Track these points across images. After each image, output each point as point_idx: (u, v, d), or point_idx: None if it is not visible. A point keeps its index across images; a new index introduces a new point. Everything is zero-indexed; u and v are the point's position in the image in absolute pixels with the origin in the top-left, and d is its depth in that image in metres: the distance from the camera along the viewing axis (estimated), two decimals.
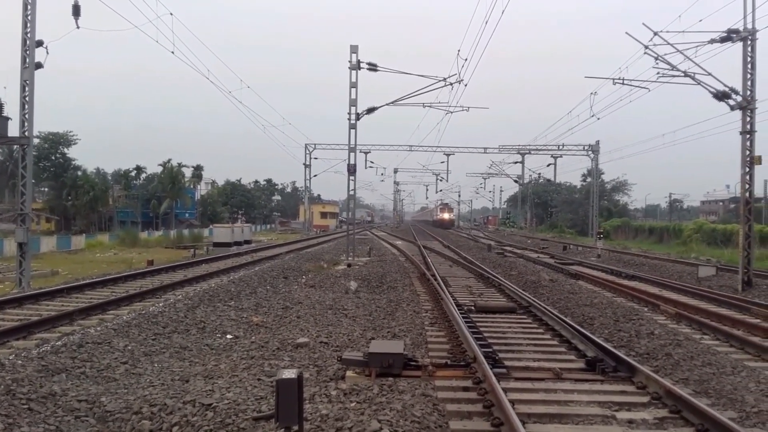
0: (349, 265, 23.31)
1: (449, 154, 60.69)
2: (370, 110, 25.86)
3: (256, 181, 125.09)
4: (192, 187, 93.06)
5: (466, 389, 7.29)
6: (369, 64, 24.40)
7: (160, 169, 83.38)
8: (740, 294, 17.36)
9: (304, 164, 62.47)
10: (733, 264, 21.22)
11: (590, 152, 57.50)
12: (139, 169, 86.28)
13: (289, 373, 5.20)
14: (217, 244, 36.34)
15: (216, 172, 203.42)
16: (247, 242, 40.07)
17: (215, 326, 11.41)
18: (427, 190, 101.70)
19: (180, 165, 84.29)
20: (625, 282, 19.43)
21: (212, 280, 18.93)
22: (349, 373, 7.81)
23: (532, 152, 61.02)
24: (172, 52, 24.14)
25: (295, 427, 5.17)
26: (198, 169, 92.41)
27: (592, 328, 11.46)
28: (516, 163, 66.78)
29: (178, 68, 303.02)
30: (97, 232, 62.06)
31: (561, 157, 59.29)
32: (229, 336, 10.68)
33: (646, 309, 14.31)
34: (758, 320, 12.70)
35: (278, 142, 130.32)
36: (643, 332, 11.11)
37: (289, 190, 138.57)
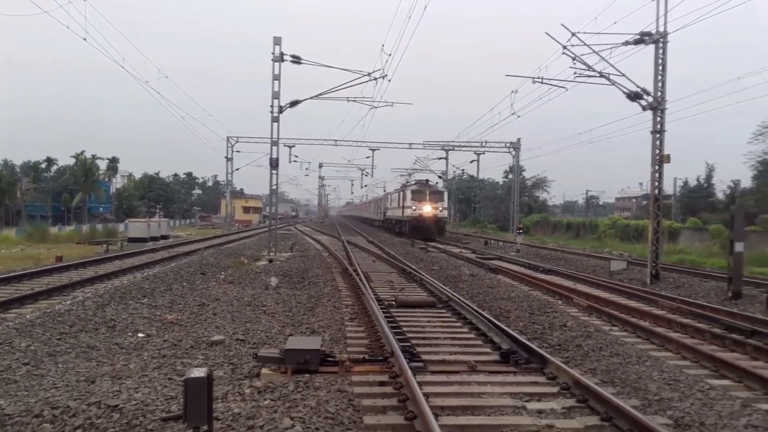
0: (270, 261, 22.97)
1: (374, 149, 60.69)
2: (294, 103, 25.54)
3: (176, 175, 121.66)
4: (107, 180, 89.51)
5: (382, 384, 7.28)
6: (292, 56, 24.07)
7: (72, 161, 79.78)
8: (648, 287, 18.19)
9: (226, 157, 61.07)
10: (643, 258, 22.20)
11: (512, 149, 58.86)
12: (49, 161, 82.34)
13: (199, 372, 5.04)
14: (132, 240, 35.01)
15: (133, 165, 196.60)
16: (165, 237, 38.83)
17: (126, 325, 10.96)
18: (352, 185, 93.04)
19: (94, 157, 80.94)
20: (542, 276, 20.02)
21: (125, 276, 18.22)
22: (264, 371, 7.67)
23: (456, 149, 61.85)
24: (84, 39, 23.05)
25: (205, 427, 5.01)
26: (113, 162, 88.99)
27: (509, 321, 11.72)
28: (440, 159, 67.57)
29: (92, 56, 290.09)
30: (3, 227, 58.73)
31: (484, 153, 60.31)
32: (140, 334, 10.27)
33: (560, 302, 14.77)
34: (663, 312, 13.33)
35: (198, 135, 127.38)
36: (557, 324, 11.45)
37: (210, 184, 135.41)
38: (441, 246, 35.09)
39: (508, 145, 58.78)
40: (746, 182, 43.79)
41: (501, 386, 7.23)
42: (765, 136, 34.10)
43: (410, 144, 61.64)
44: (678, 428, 6.08)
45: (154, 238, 36.25)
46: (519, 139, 58.70)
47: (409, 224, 42.62)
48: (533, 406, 6.55)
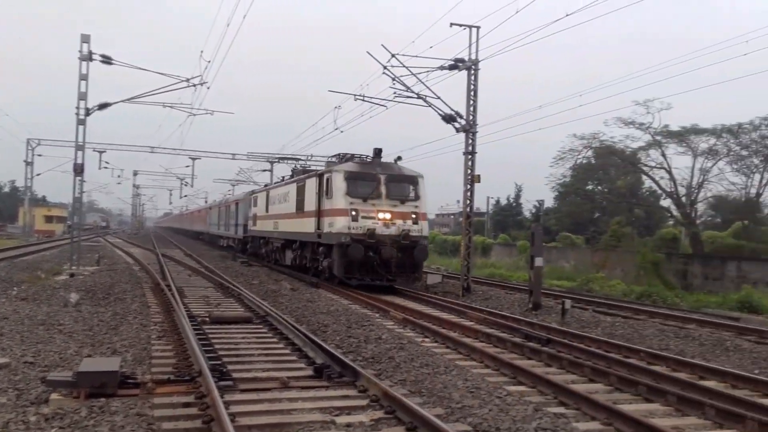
0: (72, 275, 21.07)
1: (195, 158, 58.21)
2: (103, 106, 23.73)
3: None
4: None
5: (187, 405, 6.88)
6: (102, 56, 22.43)
7: None
8: (460, 299, 19.23)
9: (26, 161, 55.32)
10: (458, 272, 23.49)
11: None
12: None
13: None
14: None
15: None
16: None
17: None
18: (170, 195, 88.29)
19: None
20: (362, 289, 20.35)
21: None
22: (54, 396, 6.94)
23: (281, 161, 61.41)
24: None
25: None
26: None
27: (325, 336, 11.71)
28: (265, 170, 66.63)
29: None
30: None
31: (309, 167, 60.50)
32: None
33: (377, 315, 15.09)
34: (471, 323, 14.12)
35: None
36: (372, 337, 11.65)
37: (7, 189, 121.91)
38: (263, 260, 34.16)
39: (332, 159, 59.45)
40: (549, 202, 48.23)
41: (312, 401, 7.14)
42: (563, 161, 37.87)
43: (233, 154, 60.07)
44: None
45: None
46: (331, 157, 59.54)
47: (342, 253, 19.65)
48: (342, 419, 6.53)
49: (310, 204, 22.32)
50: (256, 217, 32.80)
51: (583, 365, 9.54)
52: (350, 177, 20.05)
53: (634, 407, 7.52)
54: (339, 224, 19.56)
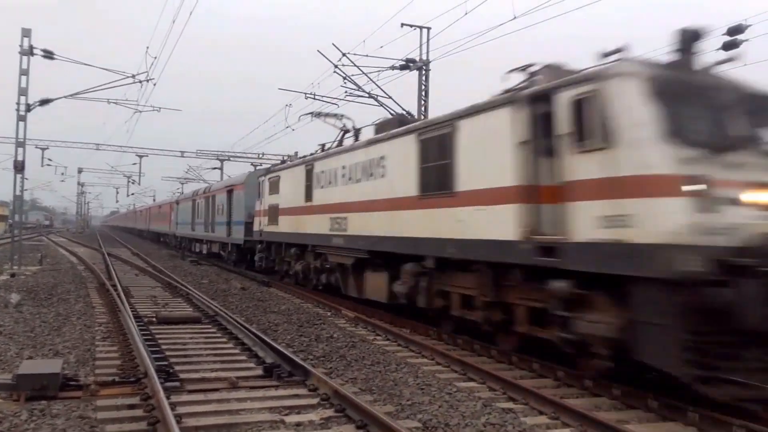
0: (13, 275, 20.35)
1: (142, 156, 57.00)
2: (45, 102, 22.97)
3: None
4: None
5: (132, 407, 6.74)
6: (44, 50, 21.70)
7: None
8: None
9: None
10: None
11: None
12: None
13: None
14: None
15: None
16: None
17: None
18: (117, 192, 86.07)
19: None
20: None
21: None
22: None
23: (232, 159, 60.54)
24: None
25: None
26: None
27: (276, 335, 11.59)
28: (215, 168, 65.63)
29: None
30: None
31: (261, 165, 59.89)
32: None
33: (329, 314, 15.02)
34: (422, 320, 14.15)
35: None
36: (324, 336, 11.60)
37: None
38: (213, 259, 33.38)
39: (286, 158, 59.06)
40: None
41: (261, 401, 7.06)
42: None
43: (182, 152, 58.99)
44: (426, 431, 6.41)
45: None
46: (296, 153, 59.28)
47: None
48: (292, 419, 6.48)
49: (497, 169, 9.13)
50: (279, 210, 20.05)
51: (531, 362, 9.69)
52: (667, 90, 7.21)
53: (580, 401, 7.68)
54: (658, 219, 6.67)
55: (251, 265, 24.25)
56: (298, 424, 6.32)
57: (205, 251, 33.63)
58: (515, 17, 15.62)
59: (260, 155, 56.83)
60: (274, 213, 20.43)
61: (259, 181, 23.32)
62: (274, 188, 20.84)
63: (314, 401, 7.09)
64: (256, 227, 22.68)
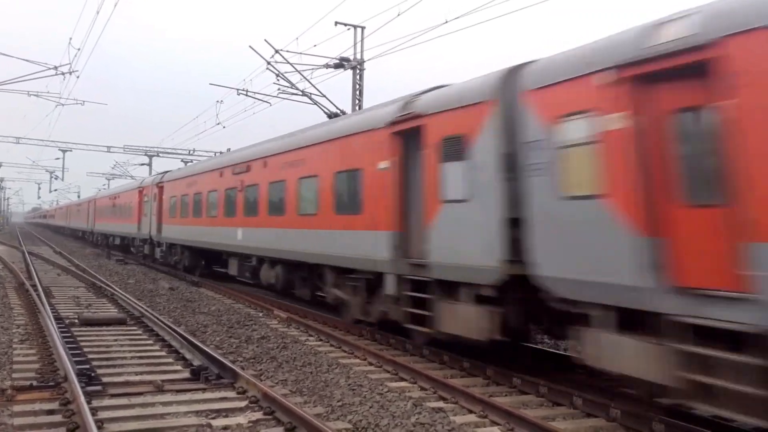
0: None
1: (66, 150, 54.72)
2: None
3: None
4: None
5: (51, 412, 6.47)
6: None
7: None
8: None
9: None
10: None
11: None
12: None
13: None
14: None
15: None
16: None
17: None
18: (39, 188, 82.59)
19: None
20: (247, 288, 19.89)
21: None
22: None
23: (161, 155, 58.83)
24: None
25: None
26: None
27: (205, 336, 11.35)
28: (143, 165, 63.62)
29: None
30: None
31: (192, 161, 58.44)
32: None
33: (261, 314, 14.80)
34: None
35: None
36: (255, 337, 11.42)
37: None
38: (141, 259, 32.40)
39: (217, 154, 57.88)
40: None
41: (188, 405, 6.89)
42: None
43: (108, 147, 56.90)
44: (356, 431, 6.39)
45: None
46: (229, 149, 58.19)
47: None
48: (219, 422, 6.34)
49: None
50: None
51: (462, 361, 9.81)
52: None
53: (509, 399, 7.82)
54: None
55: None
56: (225, 428, 6.20)
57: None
58: (446, 21, 15.76)
59: (191, 151, 55.56)
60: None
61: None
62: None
63: (242, 404, 6.97)
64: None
